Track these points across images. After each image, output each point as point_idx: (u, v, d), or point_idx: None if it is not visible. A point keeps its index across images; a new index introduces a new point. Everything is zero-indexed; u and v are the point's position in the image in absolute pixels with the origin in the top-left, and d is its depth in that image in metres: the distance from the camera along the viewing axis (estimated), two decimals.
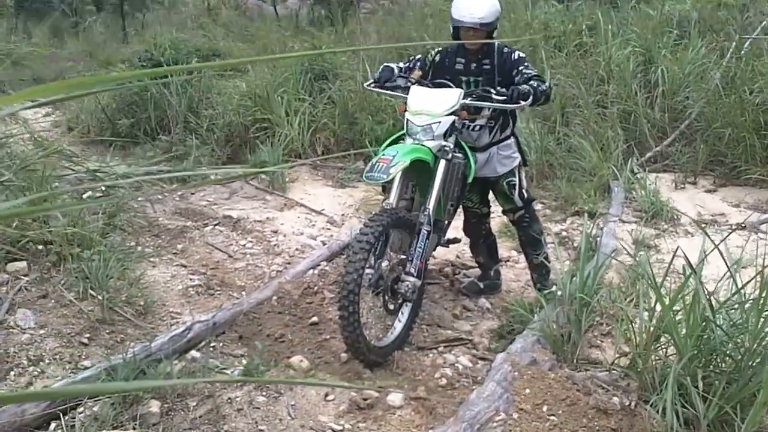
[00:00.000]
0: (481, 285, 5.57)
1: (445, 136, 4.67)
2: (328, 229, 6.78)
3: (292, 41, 11.24)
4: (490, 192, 5.41)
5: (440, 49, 5.22)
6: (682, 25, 9.41)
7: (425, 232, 4.52)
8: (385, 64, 5.20)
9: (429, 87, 4.89)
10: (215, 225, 6.62)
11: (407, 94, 4.84)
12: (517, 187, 5.20)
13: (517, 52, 4.97)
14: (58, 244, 4.96)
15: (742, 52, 8.16)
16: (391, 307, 4.50)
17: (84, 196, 6.64)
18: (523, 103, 4.61)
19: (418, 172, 4.66)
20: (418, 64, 5.13)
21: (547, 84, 4.79)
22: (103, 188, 6.82)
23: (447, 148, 4.67)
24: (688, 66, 8.30)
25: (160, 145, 8.67)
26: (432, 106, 4.66)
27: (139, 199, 6.81)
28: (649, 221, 6.61)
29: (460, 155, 4.82)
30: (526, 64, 4.91)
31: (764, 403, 3.19)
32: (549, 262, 5.29)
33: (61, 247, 4.92)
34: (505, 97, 4.64)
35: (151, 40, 10.28)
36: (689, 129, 7.98)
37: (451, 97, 4.70)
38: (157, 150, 8.57)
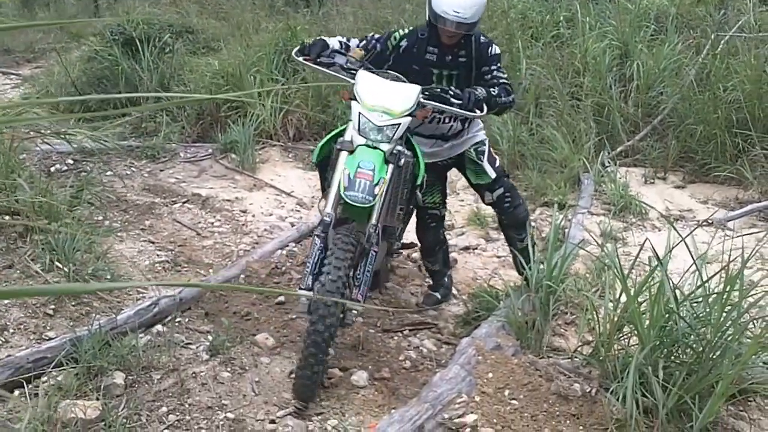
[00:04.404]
0: (439, 295, 5.18)
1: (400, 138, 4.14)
2: (298, 210, 6.77)
3: (266, 21, 11.16)
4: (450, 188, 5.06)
5: (407, 32, 4.61)
6: (660, 21, 9.43)
7: (374, 253, 3.97)
8: (321, 36, 4.58)
9: (381, 76, 4.33)
10: (184, 202, 6.59)
11: (353, 78, 4.26)
12: (486, 153, 4.75)
13: (494, 46, 4.54)
14: (24, 214, 4.92)
15: (718, 49, 8.20)
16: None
17: (52, 169, 6.59)
18: (477, 112, 4.24)
19: None
20: (378, 46, 4.55)
21: (512, 97, 4.44)
22: (72, 161, 6.76)
23: (400, 154, 4.06)
24: (663, 61, 8.33)
25: (130, 121, 8.58)
26: (391, 103, 4.09)
27: (108, 173, 6.76)
28: (618, 214, 6.66)
29: (408, 153, 4.21)
30: (498, 65, 4.51)
31: (722, 395, 3.24)
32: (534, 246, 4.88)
33: (28, 218, 4.87)
34: (461, 101, 4.21)
35: (123, 15, 10.17)
36: (662, 124, 8.01)
37: (410, 94, 4.17)
38: (126, 125, 8.48)
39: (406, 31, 4.62)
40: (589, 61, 8.54)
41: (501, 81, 4.44)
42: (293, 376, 3.78)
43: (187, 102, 7.61)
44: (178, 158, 7.78)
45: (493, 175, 4.72)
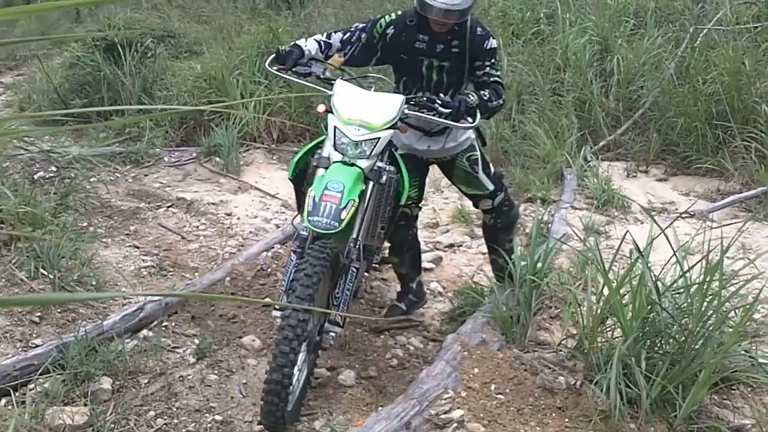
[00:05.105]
0: (404, 306, 4.83)
1: (381, 153, 3.82)
2: (283, 212, 6.77)
3: (248, 24, 11.16)
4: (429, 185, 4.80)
5: (394, 17, 4.22)
6: (639, 15, 9.49)
7: (354, 270, 3.73)
8: (296, 42, 4.21)
9: (362, 86, 4.05)
10: (168, 207, 6.59)
11: (330, 89, 3.95)
12: (480, 162, 4.44)
13: (491, 40, 4.21)
14: (9, 223, 4.92)
15: (697, 42, 8.26)
16: (307, 364, 3.69)
17: (36, 176, 6.59)
18: (469, 121, 3.93)
19: None
20: (363, 36, 4.20)
21: (502, 98, 4.14)
22: (55, 168, 6.76)
23: (381, 170, 3.78)
24: (643, 55, 8.38)
25: (113, 126, 8.55)
26: (369, 116, 3.77)
27: (92, 179, 6.75)
28: (600, 208, 6.69)
29: (392, 169, 3.92)
30: (494, 60, 4.21)
31: (705, 383, 3.28)
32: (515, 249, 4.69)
33: (12, 226, 4.88)
34: (450, 110, 3.85)
35: (105, 20, 10.15)
36: (643, 118, 8.07)
37: (392, 104, 3.85)
38: (110, 131, 8.46)
39: (393, 17, 4.24)
40: (570, 57, 8.58)
41: (492, 79, 4.15)
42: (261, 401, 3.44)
43: (171, 114, 7.59)
44: (162, 163, 7.78)
45: (491, 186, 4.49)
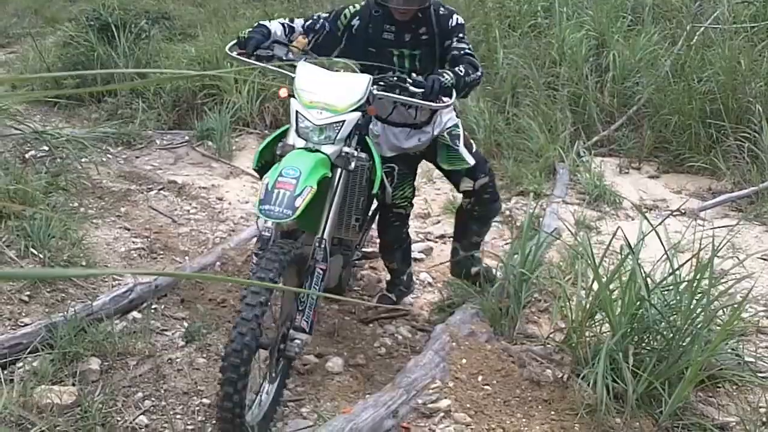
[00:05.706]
0: (394, 297, 4.81)
1: (348, 138, 3.56)
2: None
3: (243, 7, 11.12)
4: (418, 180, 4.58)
5: (358, 8, 4.07)
6: (636, 11, 9.48)
7: (320, 272, 3.48)
8: (261, 21, 4.07)
9: (325, 67, 3.83)
10: (160, 189, 6.56)
11: (293, 72, 3.68)
12: (461, 137, 4.28)
13: (455, 16, 4.03)
14: None
15: (693, 40, 8.27)
16: (274, 374, 3.52)
17: (27, 155, 6.56)
18: (445, 100, 3.70)
19: None
20: (327, 25, 4.04)
21: (479, 72, 3.92)
22: (47, 148, 6.73)
23: (349, 156, 3.51)
24: (639, 52, 8.37)
25: (105, 107, 8.52)
26: (332, 98, 3.50)
27: (84, 160, 6.72)
28: (592, 204, 6.69)
29: (363, 155, 3.69)
30: (462, 35, 4.01)
31: (691, 380, 3.30)
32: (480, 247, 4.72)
33: (3, 204, 4.86)
34: (423, 90, 3.61)
35: (99, 0, 10.09)
36: (637, 115, 8.06)
37: (357, 85, 3.59)
38: (102, 112, 8.43)
39: (357, 7, 4.07)
40: (566, 51, 8.56)
41: (464, 52, 3.96)
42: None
43: (164, 81, 7.55)
44: (154, 145, 7.75)
45: (471, 161, 4.26)
